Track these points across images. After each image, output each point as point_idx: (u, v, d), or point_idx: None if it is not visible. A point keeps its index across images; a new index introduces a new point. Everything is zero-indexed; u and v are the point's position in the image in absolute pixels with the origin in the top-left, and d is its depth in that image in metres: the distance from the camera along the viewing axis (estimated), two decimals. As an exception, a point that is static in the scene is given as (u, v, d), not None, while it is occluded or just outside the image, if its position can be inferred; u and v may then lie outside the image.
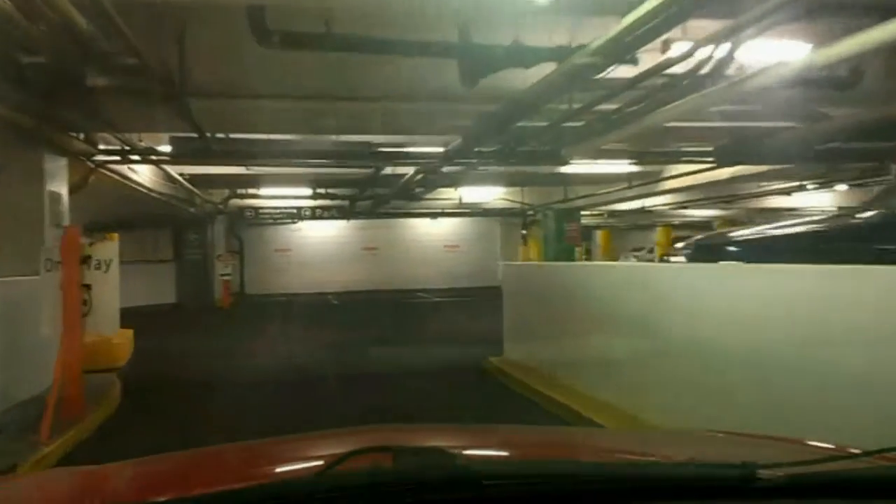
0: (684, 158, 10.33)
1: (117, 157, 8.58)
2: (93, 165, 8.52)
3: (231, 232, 25.07)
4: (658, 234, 44.24)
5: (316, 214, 20.28)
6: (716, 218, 31.37)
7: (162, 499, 1.18)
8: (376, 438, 1.62)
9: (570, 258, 21.89)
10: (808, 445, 1.70)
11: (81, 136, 7.94)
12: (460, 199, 20.50)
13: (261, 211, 19.99)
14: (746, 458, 1.12)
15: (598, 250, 37.80)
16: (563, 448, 1.80)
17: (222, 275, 19.18)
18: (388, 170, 13.69)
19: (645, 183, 15.38)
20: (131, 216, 18.29)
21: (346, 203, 19.97)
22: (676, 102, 6.85)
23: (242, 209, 19.84)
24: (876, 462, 1.32)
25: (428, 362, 9.15)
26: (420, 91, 7.25)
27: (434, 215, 25.17)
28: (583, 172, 14.94)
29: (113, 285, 5.89)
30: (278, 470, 1.51)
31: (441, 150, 9.61)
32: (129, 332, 11.25)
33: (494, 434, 2.01)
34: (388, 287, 25.90)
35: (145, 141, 9.11)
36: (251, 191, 18.27)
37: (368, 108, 7.50)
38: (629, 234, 46.23)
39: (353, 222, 25.91)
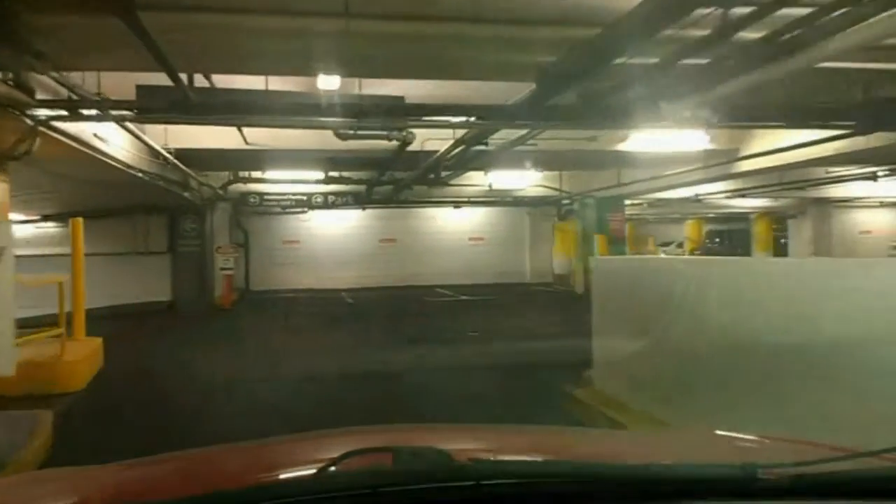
0: (814, 122, 7.93)
1: (63, 111, 6.31)
2: (32, 123, 6.25)
3: (234, 222, 22.85)
4: (688, 228, 41.96)
5: (328, 202, 17.99)
6: (759, 209, 28.88)
7: (162, 499, 1.18)
8: (376, 438, 1.66)
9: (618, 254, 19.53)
10: (808, 445, 1.70)
11: (10, 78, 5.70)
12: (490, 186, 18.17)
13: (266, 197, 17.71)
14: (746, 458, 1.14)
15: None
16: (562, 448, 1.81)
17: (223, 268, 16.97)
18: (416, 145, 11.39)
19: (723, 163, 13.00)
20: (119, 202, 16.11)
21: (361, 189, 17.68)
22: (856, 27, 4.56)
23: (245, 195, 17.58)
24: (876, 462, 1.30)
25: (484, 393, 6.86)
26: (486, 7, 4.96)
27: (458, 204, 22.88)
28: (643, 151, 12.60)
29: (4, 283, 3.61)
30: (278, 470, 1.49)
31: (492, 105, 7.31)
32: (97, 343, 9.03)
33: (494, 434, 2.03)
34: (407, 283, 23.66)
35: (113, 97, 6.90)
36: (254, 174, 16.01)
37: (400, 33, 5.22)
38: (653, 227, 43.98)
39: (368, 212, 23.67)
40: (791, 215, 27.77)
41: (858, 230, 27.70)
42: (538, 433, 2.17)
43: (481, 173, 17.47)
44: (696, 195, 19.19)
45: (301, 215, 23.53)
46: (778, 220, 34.01)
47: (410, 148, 11.34)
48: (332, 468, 1.11)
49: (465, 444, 1.67)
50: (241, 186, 17.25)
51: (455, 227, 24.82)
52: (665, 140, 12.23)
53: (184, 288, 17.29)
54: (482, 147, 10.58)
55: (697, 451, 1.65)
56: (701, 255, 38.22)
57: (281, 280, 23.19)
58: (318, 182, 16.95)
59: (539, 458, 1.61)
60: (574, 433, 2.49)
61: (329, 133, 10.36)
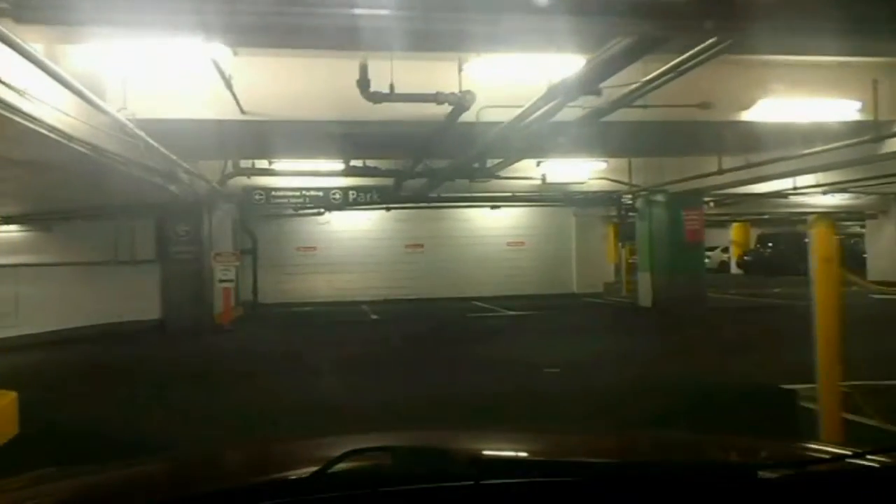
0: None
1: None
2: None
3: (240, 225, 19.93)
4: (734, 232, 38.54)
5: (349, 199, 14.94)
6: (835, 208, 25.36)
7: (162, 499, 1.19)
8: (376, 439, 1.66)
9: (696, 264, 16.41)
10: (808, 445, 1.73)
11: None
12: (543, 180, 15.08)
13: (275, 195, 14.69)
14: (746, 459, 1.26)
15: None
16: (562, 448, 1.81)
17: (222, 280, 13.96)
18: (471, 115, 8.36)
19: (875, 139, 9.80)
20: (95, 200, 13.18)
21: (389, 183, 14.63)
22: None
23: (249, 191, 14.58)
24: (876, 462, 1.29)
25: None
26: None
27: (496, 203, 19.81)
28: (773, 122, 9.47)
29: None
30: (278, 470, 1.49)
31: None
32: (6, 400, 6.02)
33: (493, 434, 2.03)
34: (436, 294, 20.63)
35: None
36: (259, 164, 13.01)
37: None
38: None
39: (393, 214, 20.68)
40: (871, 215, 24.40)
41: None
42: (538, 433, 2.14)
43: (533, 164, 14.48)
44: (795, 188, 15.96)
45: (317, 218, 20.60)
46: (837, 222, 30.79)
47: (463, 118, 8.30)
48: (332, 468, 1.08)
49: (464, 444, 1.66)
50: (243, 181, 14.26)
51: (491, 231, 21.76)
52: (803, 107, 9.14)
53: (176, 303, 14.31)
54: (575, 108, 7.54)
55: (697, 451, 1.69)
56: (751, 261, 34.96)
57: (294, 291, 20.25)
58: (336, 175, 13.94)
59: (539, 458, 1.61)
60: (574, 433, 2.26)
61: (353, 95, 7.39)
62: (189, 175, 12.22)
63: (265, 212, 19.97)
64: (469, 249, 21.56)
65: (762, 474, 1.10)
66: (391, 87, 7.50)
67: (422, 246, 21.45)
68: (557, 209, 21.57)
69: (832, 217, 30.69)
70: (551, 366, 8.56)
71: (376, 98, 7.49)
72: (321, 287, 20.49)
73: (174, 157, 9.94)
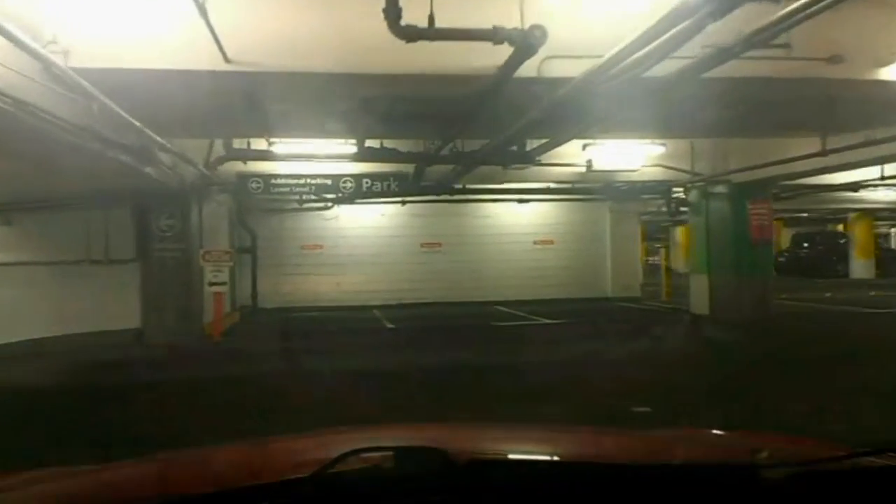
0: None
1: None
2: None
3: (238, 220, 17.80)
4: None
5: (363, 188, 12.70)
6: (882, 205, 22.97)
7: (162, 499, 1.19)
8: (376, 438, 1.63)
9: (763, 266, 14.21)
10: (809, 445, 1.71)
11: None
12: (588, 166, 12.89)
13: (275, 182, 12.47)
14: (747, 458, 1.21)
15: (679, 252, 29.63)
16: (562, 448, 1.80)
17: (212, 283, 11.78)
18: (531, 69, 6.19)
19: None
20: (62, 186, 11.07)
21: (409, 171, 12.44)
22: None
23: (245, 178, 12.38)
24: (876, 462, 1.26)
25: None
26: None
27: (528, 195, 17.65)
28: None
29: None
30: (278, 470, 1.48)
31: None
32: None
33: (494, 433, 2.02)
34: (455, 298, 18.49)
35: None
36: (256, 143, 10.82)
37: None
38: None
39: (408, 208, 18.52)
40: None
41: None
42: (538, 433, 2.11)
43: (577, 148, 12.30)
44: (882, 177, 13.68)
45: (324, 213, 18.47)
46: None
47: (521, 73, 6.11)
48: (332, 468, 1.08)
49: (465, 444, 1.61)
50: (238, 166, 12.08)
51: (517, 228, 19.58)
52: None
53: (159, 310, 12.16)
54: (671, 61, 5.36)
55: (697, 451, 1.68)
56: (785, 262, 32.68)
57: (298, 294, 18.09)
58: (348, 159, 11.77)
59: (539, 458, 1.60)
60: (574, 433, 2.16)
61: (375, 38, 5.29)
62: (169, 155, 10.08)
63: (266, 205, 17.87)
64: (492, 248, 19.39)
65: (764, 473, 1.09)
66: (430, 19, 5.33)
67: (440, 244, 19.27)
68: (590, 204, 19.43)
69: (875, 215, 28.54)
70: (633, 398, 6.33)
71: (410, 34, 5.32)
72: (328, 290, 18.33)
73: (138, 125, 7.77)
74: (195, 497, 1.12)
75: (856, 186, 15.55)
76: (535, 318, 15.26)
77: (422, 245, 19.17)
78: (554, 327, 14.07)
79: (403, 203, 18.10)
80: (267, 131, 9.44)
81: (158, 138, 8.73)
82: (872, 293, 20.25)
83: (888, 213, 28.86)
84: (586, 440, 1.94)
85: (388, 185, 12.56)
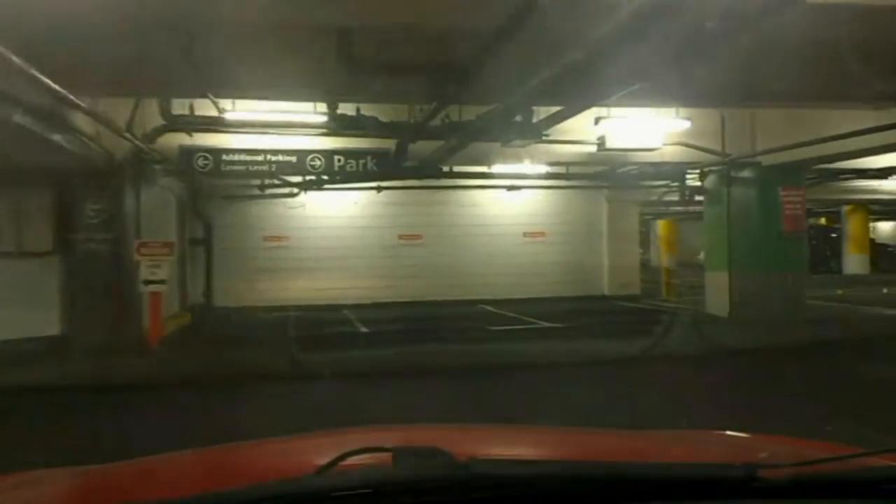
0: None
1: None
2: None
3: (192, 208, 15.62)
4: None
5: (334, 168, 10.56)
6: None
7: (162, 499, 1.17)
8: (376, 438, 1.63)
9: (796, 262, 12.50)
10: (809, 445, 1.71)
11: None
12: (601, 144, 10.97)
13: (228, 159, 10.28)
14: (746, 458, 1.14)
15: (660, 248, 27.74)
16: (562, 448, 1.79)
17: (148, 282, 9.61)
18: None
19: None
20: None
21: (389, 148, 10.38)
22: None
23: (190, 154, 10.15)
24: (876, 462, 1.30)
25: None
26: None
27: (522, 180, 15.74)
28: None
29: None
30: (278, 470, 1.47)
31: None
32: None
33: (494, 434, 2.02)
34: (436, 296, 16.56)
35: None
36: (200, 106, 8.67)
37: None
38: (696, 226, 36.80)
39: (385, 196, 16.50)
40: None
41: None
42: (538, 433, 2.11)
43: (587, 123, 10.42)
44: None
45: (290, 200, 16.34)
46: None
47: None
48: (332, 468, 1.11)
49: (465, 444, 1.60)
50: (181, 139, 9.91)
51: (505, 219, 17.67)
52: None
53: (85, 313, 9.97)
54: None
55: (697, 451, 1.68)
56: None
57: (260, 292, 15.94)
58: (318, 130, 9.72)
59: (539, 458, 1.59)
60: (574, 433, 2.15)
61: None
62: (90, 121, 7.93)
63: (223, 191, 15.74)
64: (477, 241, 17.44)
65: (764, 473, 1.07)
66: None
67: (420, 237, 17.25)
68: (586, 193, 17.61)
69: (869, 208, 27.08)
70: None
71: None
72: (294, 287, 16.21)
73: (34, 72, 5.64)
74: (195, 497, 1.08)
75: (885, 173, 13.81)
76: (530, 319, 13.35)
77: (400, 237, 17.14)
78: (552, 330, 12.17)
79: (379, 189, 16.05)
80: (211, 85, 7.28)
81: (66, 92, 6.59)
82: (885, 290, 18.76)
83: (880, 207, 27.45)
84: (586, 440, 1.90)
85: (365, 165, 10.44)
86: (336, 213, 16.71)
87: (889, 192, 19.35)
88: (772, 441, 1.78)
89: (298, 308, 15.49)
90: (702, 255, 36.07)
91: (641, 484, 1.11)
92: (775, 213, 12.05)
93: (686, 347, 9.96)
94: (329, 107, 8.53)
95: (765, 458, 1.22)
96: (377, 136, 9.95)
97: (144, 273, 9.56)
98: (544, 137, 9.80)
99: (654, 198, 18.28)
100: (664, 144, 11.06)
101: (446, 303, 16.29)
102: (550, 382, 7.55)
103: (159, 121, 9.10)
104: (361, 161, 10.44)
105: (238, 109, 9.10)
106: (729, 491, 1.09)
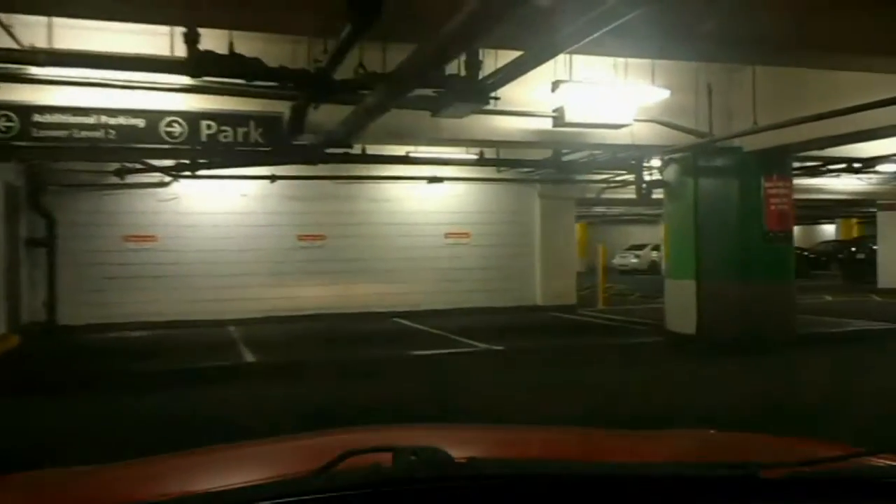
0: None
1: None
2: None
3: (29, 200, 12.23)
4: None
5: (201, 137, 7.54)
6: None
7: (162, 499, 1.16)
8: (376, 438, 1.59)
9: (782, 268, 10.46)
10: (809, 445, 1.69)
11: None
12: (559, 117, 8.53)
13: (41, 120, 7.00)
14: (747, 458, 1.13)
15: (597, 250, 26.01)
16: (562, 448, 1.78)
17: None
18: None
19: None
20: None
21: (282, 112, 7.55)
22: None
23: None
24: (876, 462, 1.28)
25: None
26: None
27: (441, 169, 13.22)
28: None
29: None
30: (278, 470, 1.45)
31: None
32: None
33: (494, 433, 1.99)
34: (342, 308, 13.77)
35: None
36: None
37: None
38: (599, 230, 35.48)
39: (280, 187, 13.57)
40: (888, 205, 19.48)
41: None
42: (538, 433, 2.08)
43: (543, 90, 8.04)
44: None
45: (159, 191, 13.13)
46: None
47: None
48: (332, 468, 1.08)
49: (465, 444, 1.57)
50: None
51: (424, 217, 15.04)
52: None
53: None
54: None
55: (697, 451, 1.67)
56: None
57: (118, 306, 12.64)
58: (178, 84, 6.84)
59: (539, 458, 1.58)
60: (574, 433, 2.13)
61: None
62: None
63: (71, 179, 12.40)
64: (392, 243, 14.72)
65: (764, 473, 1.05)
66: None
67: (323, 237, 14.35)
68: (515, 186, 15.27)
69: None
70: None
71: None
72: (165, 299, 13.00)
73: None
74: (195, 497, 1.09)
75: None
76: (466, 340, 10.79)
77: (299, 237, 14.18)
78: (500, 360, 9.64)
79: (273, 179, 13.09)
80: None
81: None
82: (878, 299, 17.34)
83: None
84: (587, 440, 1.87)
85: (247, 134, 7.48)
86: (219, 208, 13.60)
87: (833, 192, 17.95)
88: (772, 441, 1.76)
89: (171, 325, 12.39)
90: (617, 258, 34.86)
91: (642, 484, 1.10)
92: (757, 208, 9.98)
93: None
94: (187, 38, 5.66)
95: (766, 456, 1.21)
96: (262, 95, 7.13)
97: None
98: (490, 105, 7.30)
99: (591, 195, 16.19)
100: (635, 120, 8.75)
101: (356, 316, 13.53)
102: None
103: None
104: (242, 129, 7.48)
105: (52, 50, 6.09)
106: (729, 491, 1.07)
